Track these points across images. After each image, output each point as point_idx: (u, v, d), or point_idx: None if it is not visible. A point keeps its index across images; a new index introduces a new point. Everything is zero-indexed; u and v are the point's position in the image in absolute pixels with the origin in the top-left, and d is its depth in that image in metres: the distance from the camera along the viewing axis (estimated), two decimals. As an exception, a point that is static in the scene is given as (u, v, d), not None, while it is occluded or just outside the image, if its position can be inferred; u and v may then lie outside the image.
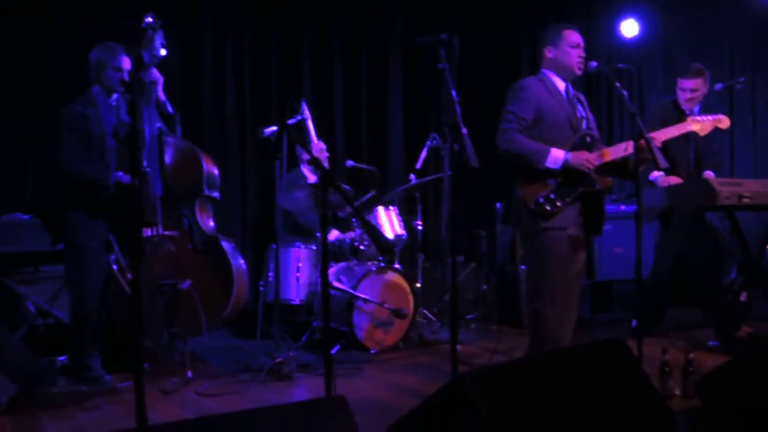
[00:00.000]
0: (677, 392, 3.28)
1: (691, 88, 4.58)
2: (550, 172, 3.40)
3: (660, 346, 3.40)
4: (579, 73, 3.56)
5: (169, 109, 4.07)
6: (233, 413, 1.61)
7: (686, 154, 4.59)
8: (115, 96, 3.95)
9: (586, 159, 3.37)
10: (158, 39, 3.91)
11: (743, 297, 4.60)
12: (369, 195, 5.19)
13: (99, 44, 3.92)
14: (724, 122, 3.93)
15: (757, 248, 4.65)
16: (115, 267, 3.89)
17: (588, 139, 3.48)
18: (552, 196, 3.40)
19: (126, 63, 3.87)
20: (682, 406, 3.14)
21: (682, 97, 4.62)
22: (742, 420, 2.74)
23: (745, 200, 3.96)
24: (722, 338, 4.30)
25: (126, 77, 3.83)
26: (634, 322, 4.81)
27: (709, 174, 4.54)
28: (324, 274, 2.55)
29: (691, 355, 3.30)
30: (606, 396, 2.04)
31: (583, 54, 3.54)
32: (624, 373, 2.17)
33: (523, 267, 5.46)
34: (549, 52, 3.56)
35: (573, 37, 3.54)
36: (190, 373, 3.81)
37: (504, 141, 3.43)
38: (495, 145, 3.47)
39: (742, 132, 6.97)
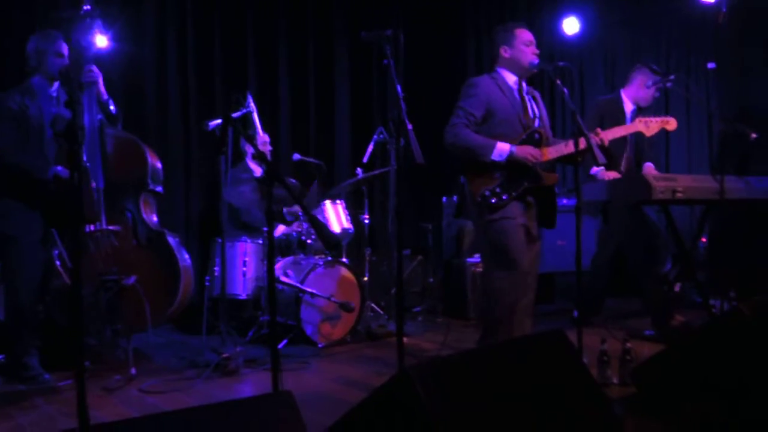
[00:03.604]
0: (615, 380, 3.38)
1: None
2: (496, 166, 3.49)
3: (599, 335, 3.50)
4: (535, 70, 3.66)
5: (112, 108, 3.97)
6: (175, 411, 1.59)
7: (625, 151, 4.71)
8: (56, 85, 3.83)
9: (531, 153, 3.47)
10: (96, 27, 3.83)
11: (677, 288, 4.77)
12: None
13: (35, 33, 3.81)
14: (672, 124, 4.03)
15: (691, 241, 4.84)
16: (58, 262, 3.80)
17: (536, 135, 3.57)
18: (497, 189, 3.50)
19: (66, 49, 3.77)
20: (620, 394, 3.24)
21: (654, 95, 4.72)
22: (675, 405, 2.86)
23: (679, 195, 4.11)
24: (658, 327, 4.46)
25: (67, 62, 3.72)
26: (575, 313, 4.94)
27: (649, 165, 4.68)
28: (270, 269, 2.54)
29: (629, 344, 3.40)
30: (547, 386, 2.10)
31: (536, 51, 3.66)
32: (564, 363, 2.24)
33: (468, 260, 5.55)
34: (505, 52, 3.65)
35: (525, 35, 3.65)
36: (133, 371, 3.74)
37: (451, 135, 3.53)
38: (443, 140, 3.54)
39: (677, 128, 7.19)
